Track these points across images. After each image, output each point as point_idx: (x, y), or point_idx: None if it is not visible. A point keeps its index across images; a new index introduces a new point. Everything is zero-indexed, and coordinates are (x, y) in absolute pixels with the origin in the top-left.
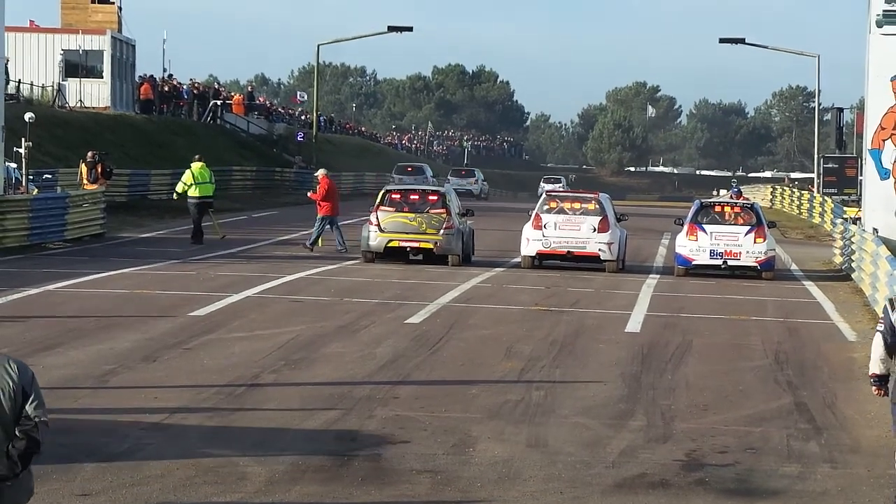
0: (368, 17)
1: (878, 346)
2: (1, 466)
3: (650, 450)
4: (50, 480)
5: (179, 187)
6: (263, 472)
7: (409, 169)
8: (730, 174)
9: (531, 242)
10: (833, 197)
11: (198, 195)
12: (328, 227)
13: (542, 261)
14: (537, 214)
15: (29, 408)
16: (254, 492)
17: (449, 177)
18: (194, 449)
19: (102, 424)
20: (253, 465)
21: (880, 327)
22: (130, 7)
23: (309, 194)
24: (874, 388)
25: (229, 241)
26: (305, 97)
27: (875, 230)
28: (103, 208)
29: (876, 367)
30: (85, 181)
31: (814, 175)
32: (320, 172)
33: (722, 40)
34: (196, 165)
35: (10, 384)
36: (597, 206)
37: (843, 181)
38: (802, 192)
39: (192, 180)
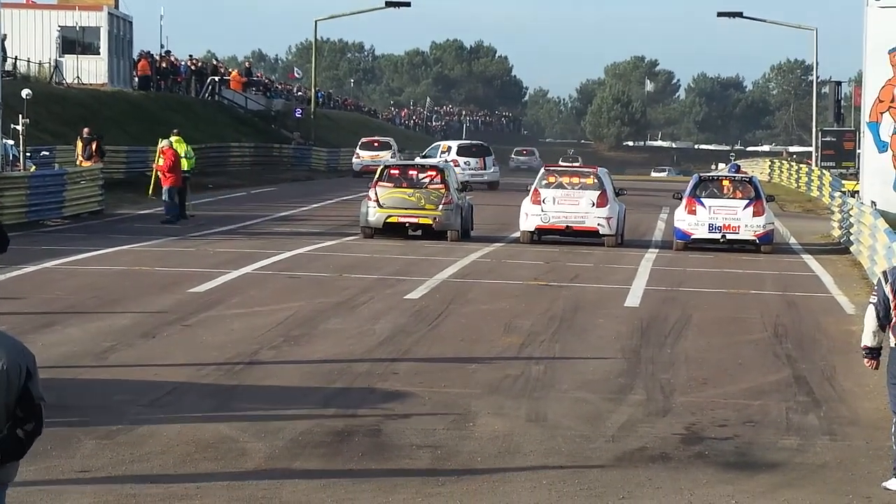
0: None
1: (870, 318)
2: (5, 446)
3: (650, 423)
4: (50, 457)
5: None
6: (263, 448)
7: (376, 143)
8: (728, 148)
9: (530, 217)
10: (831, 170)
11: None
12: (166, 197)
13: (541, 236)
14: (536, 189)
15: (32, 388)
16: (254, 467)
17: (359, 150)
18: (194, 425)
19: (102, 401)
20: (253, 440)
21: (873, 299)
22: None
23: (154, 165)
24: (866, 359)
25: (228, 217)
26: (302, 74)
27: (873, 203)
28: (101, 185)
29: (868, 339)
30: (79, 157)
31: (812, 148)
32: (164, 143)
33: (720, 14)
34: (172, 140)
35: (16, 362)
36: (595, 181)
37: (842, 154)
38: (801, 165)
39: None
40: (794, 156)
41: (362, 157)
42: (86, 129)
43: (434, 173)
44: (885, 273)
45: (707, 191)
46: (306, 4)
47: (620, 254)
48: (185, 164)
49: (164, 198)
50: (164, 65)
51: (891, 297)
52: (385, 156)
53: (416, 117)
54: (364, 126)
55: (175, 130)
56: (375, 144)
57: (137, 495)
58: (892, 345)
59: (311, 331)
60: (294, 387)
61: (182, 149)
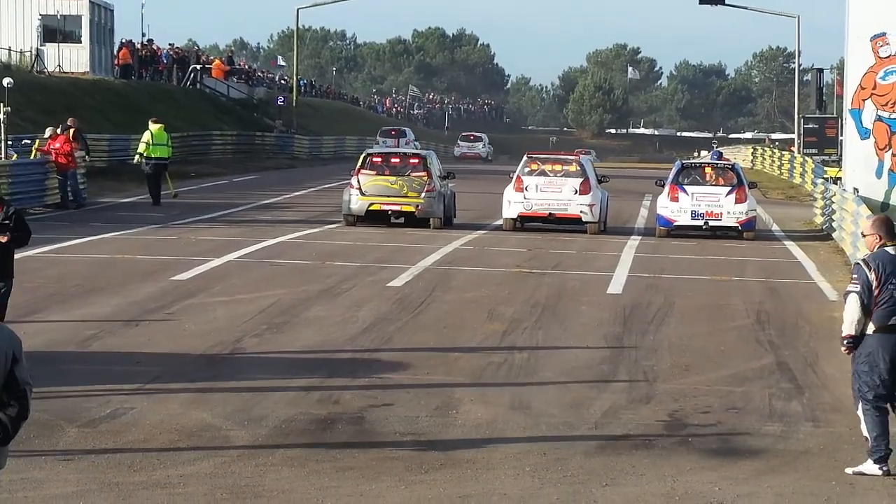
0: None
1: (853, 307)
2: None
3: (633, 410)
4: (32, 445)
5: (141, 148)
6: (246, 436)
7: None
8: (710, 135)
9: (513, 205)
10: (813, 157)
11: (153, 157)
12: (60, 179)
13: (524, 223)
14: (519, 177)
15: (18, 373)
16: (237, 455)
17: (459, 141)
18: (177, 413)
19: (84, 390)
20: (236, 428)
21: (856, 288)
22: None
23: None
24: (845, 349)
25: (211, 205)
26: (284, 62)
27: (855, 190)
28: (83, 173)
29: (851, 328)
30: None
31: (794, 136)
32: (49, 131)
33: (702, 1)
34: (154, 127)
35: (1, 348)
36: (578, 168)
37: (824, 141)
38: (783, 152)
39: (149, 141)
40: (777, 143)
41: (461, 146)
42: (70, 120)
43: (417, 161)
44: (864, 261)
45: (689, 178)
46: None
47: (603, 241)
48: (163, 152)
49: (67, 183)
50: (145, 53)
51: (874, 283)
52: (478, 146)
53: (398, 105)
54: (346, 114)
55: (153, 118)
56: (472, 137)
57: (120, 483)
58: (870, 331)
59: (293, 318)
60: (277, 374)
61: (164, 137)
